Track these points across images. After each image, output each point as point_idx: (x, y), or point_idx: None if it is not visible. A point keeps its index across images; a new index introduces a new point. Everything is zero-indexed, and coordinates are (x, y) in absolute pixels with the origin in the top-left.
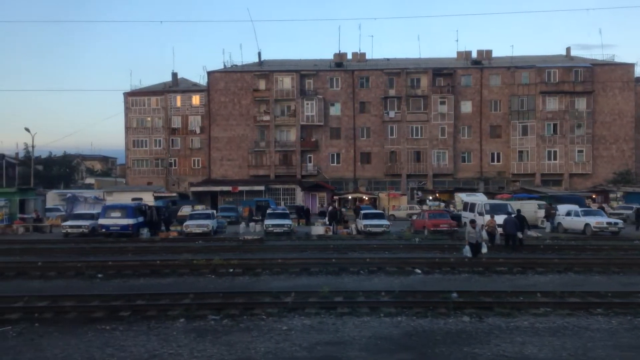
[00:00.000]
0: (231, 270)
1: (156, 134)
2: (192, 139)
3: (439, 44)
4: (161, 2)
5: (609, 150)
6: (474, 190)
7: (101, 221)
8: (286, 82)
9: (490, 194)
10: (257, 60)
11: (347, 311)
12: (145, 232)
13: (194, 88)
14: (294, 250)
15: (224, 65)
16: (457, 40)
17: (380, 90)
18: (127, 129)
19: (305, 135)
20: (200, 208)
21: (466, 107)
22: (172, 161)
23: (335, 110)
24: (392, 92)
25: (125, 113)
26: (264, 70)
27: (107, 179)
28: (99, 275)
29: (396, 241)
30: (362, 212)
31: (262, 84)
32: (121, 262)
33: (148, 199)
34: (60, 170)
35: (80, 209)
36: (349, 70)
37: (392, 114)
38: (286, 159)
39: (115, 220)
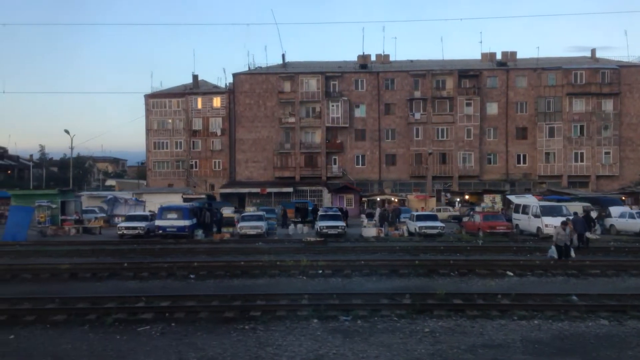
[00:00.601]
0: (320, 271)
1: (177, 136)
2: (213, 141)
3: (462, 45)
4: (180, 5)
5: (635, 152)
6: (500, 192)
7: (158, 222)
8: (312, 84)
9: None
10: (280, 62)
11: (477, 314)
12: (200, 234)
13: (214, 90)
14: (365, 252)
15: (249, 68)
16: (480, 42)
17: (406, 91)
18: (148, 130)
19: (330, 137)
20: (252, 210)
21: (492, 108)
22: (193, 163)
23: (360, 112)
24: (417, 94)
25: (146, 115)
26: (289, 72)
27: (128, 180)
28: (191, 276)
29: (458, 243)
30: (416, 213)
31: (287, 86)
32: (206, 262)
33: (177, 200)
34: (74, 172)
35: (120, 211)
36: (374, 72)
37: (417, 115)
38: (311, 161)
39: (172, 221)
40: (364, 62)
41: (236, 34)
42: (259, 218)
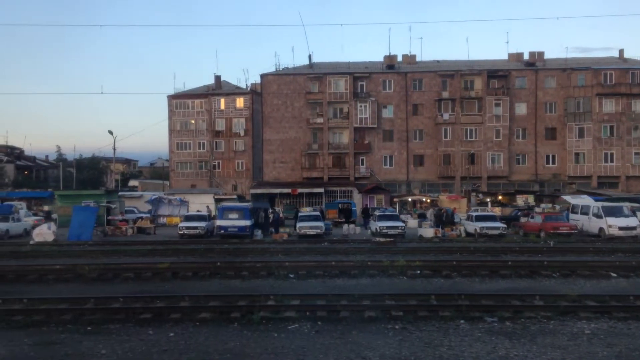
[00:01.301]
0: (418, 271)
1: (200, 137)
2: (235, 142)
3: (488, 45)
4: (204, 6)
5: None
6: (531, 192)
7: (219, 222)
8: (340, 85)
9: (549, 197)
10: (305, 62)
11: (623, 316)
12: (259, 234)
13: (237, 91)
14: (443, 253)
15: (275, 68)
16: (507, 42)
17: (434, 92)
18: (171, 131)
19: (358, 138)
20: (308, 210)
21: (521, 109)
22: (216, 164)
23: (388, 113)
24: (445, 94)
25: (169, 116)
26: (317, 73)
27: (151, 181)
28: (291, 275)
29: (526, 244)
30: (474, 214)
31: (315, 87)
32: (300, 262)
33: (208, 201)
34: (90, 173)
35: (164, 211)
36: (401, 73)
37: (446, 116)
38: (339, 161)
39: (234, 221)
40: (390, 63)
41: (257, 35)
42: (317, 218)
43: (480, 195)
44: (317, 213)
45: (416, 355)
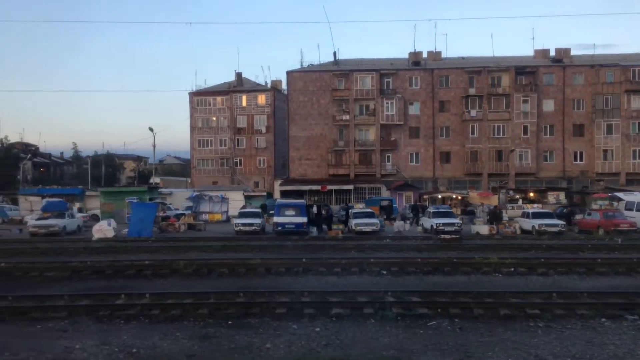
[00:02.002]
0: (512, 269)
1: (221, 134)
2: (257, 139)
3: (513, 41)
4: (223, 3)
5: None
6: (562, 189)
7: (276, 219)
8: (366, 82)
9: (579, 194)
10: (328, 59)
11: None
12: (314, 231)
13: (259, 87)
14: (518, 250)
15: (300, 65)
16: (533, 39)
17: (460, 89)
18: (193, 128)
19: (384, 135)
20: (361, 207)
21: (548, 105)
22: (237, 161)
23: (414, 110)
24: (472, 91)
25: (190, 113)
26: (344, 69)
27: (173, 178)
28: (384, 272)
29: (593, 241)
30: (531, 211)
31: (341, 84)
32: (384, 259)
33: (237, 198)
34: (104, 170)
35: (205, 208)
36: (428, 69)
37: (473, 112)
38: (365, 158)
39: (290, 218)
40: (415, 59)
41: (277, 32)
42: (372, 215)
43: (511, 192)
44: (371, 210)
45: (589, 353)
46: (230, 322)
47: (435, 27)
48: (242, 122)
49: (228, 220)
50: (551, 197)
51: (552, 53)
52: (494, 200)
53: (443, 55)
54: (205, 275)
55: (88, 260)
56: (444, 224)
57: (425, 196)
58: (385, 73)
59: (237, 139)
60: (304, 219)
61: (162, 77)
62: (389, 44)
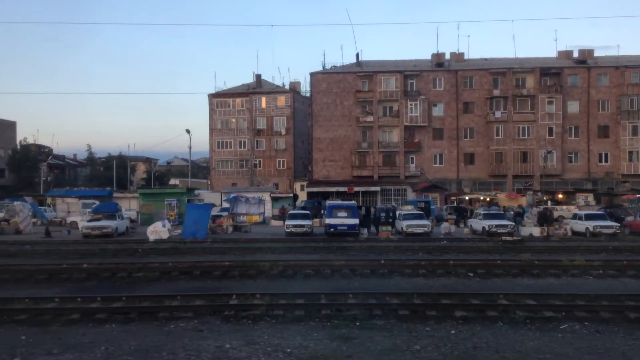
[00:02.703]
0: (600, 271)
1: (240, 135)
2: (277, 140)
3: (534, 43)
4: (244, 5)
5: None
6: (589, 191)
7: (329, 220)
8: (390, 83)
9: (607, 195)
10: (350, 61)
11: None
12: (365, 232)
13: (278, 89)
14: (589, 252)
15: (321, 67)
16: (555, 40)
17: (485, 90)
18: (212, 130)
19: (408, 136)
20: (409, 208)
21: (573, 107)
22: (257, 162)
23: (438, 111)
24: (496, 92)
25: (209, 115)
26: (368, 71)
27: (192, 180)
28: (470, 274)
29: None
30: (584, 213)
31: (365, 85)
32: (466, 260)
33: (265, 199)
34: (117, 171)
35: (241, 209)
36: (452, 71)
37: (498, 114)
38: (389, 160)
39: (343, 219)
40: (439, 61)
41: (295, 34)
42: (422, 216)
43: (539, 194)
44: (420, 212)
45: None
46: (357, 323)
47: (458, 28)
48: (261, 123)
49: (264, 221)
50: (580, 198)
51: (576, 54)
52: (521, 202)
53: (466, 57)
54: (291, 276)
55: (169, 261)
56: (497, 226)
57: (452, 197)
58: (409, 74)
59: (257, 141)
60: (356, 221)
61: (180, 80)
62: (411, 46)
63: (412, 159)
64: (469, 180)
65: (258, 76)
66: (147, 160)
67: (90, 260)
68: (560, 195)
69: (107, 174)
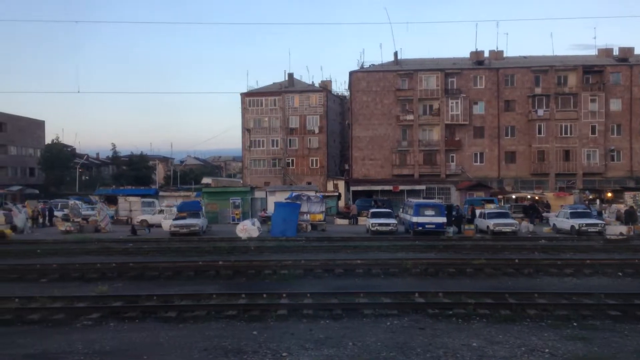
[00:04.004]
0: None
1: (273, 134)
2: (309, 139)
3: (573, 40)
4: (277, 6)
5: None
6: (636, 189)
7: (415, 219)
8: (430, 81)
9: None
10: (385, 60)
11: None
12: (451, 231)
13: (311, 88)
14: None
15: (361, 66)
16: (595, 38)
17: (526, 88)
18: (244, 129)
19: (448, 135)
20: (493, 207)
21: (615, 105)
22: (290, 161)
23: (478, 109)
24: (538, 90)
25: (242, 114)
26: (408, 69)
27: (224, 178)
28: (619, 274)
29: None
30: None
31: (404, 84)
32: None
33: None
34: (139, 171)
35: (303, 208)
36: (493, 69)
37: (540, 112)
38: (430, 158)
39: (430, 218)
40: (478, 59)
41: (328, 33)
42: (507, 215)
43: (587, 192)
44: (506, 211)
45: None
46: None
47: (497, 26)
48: (294, 122)
49: (325, 220)
50: (628, 197)
51: (616, 52)
52: (569, 201)
53: (504, 55)
54: (432, 274)
55: (301, 259)
56: (587, 225)
57: (500, 196)
58: (450, 72)
59: (289, 139)
60: (444, 219)
61: (212, 79)
62: (448, 44)
63: (452, 157)
64: (510, 179)
65: (290, 75)
66: (165, 160)
67: (217, 258)
68: (609, 194)
69: (131, 173)
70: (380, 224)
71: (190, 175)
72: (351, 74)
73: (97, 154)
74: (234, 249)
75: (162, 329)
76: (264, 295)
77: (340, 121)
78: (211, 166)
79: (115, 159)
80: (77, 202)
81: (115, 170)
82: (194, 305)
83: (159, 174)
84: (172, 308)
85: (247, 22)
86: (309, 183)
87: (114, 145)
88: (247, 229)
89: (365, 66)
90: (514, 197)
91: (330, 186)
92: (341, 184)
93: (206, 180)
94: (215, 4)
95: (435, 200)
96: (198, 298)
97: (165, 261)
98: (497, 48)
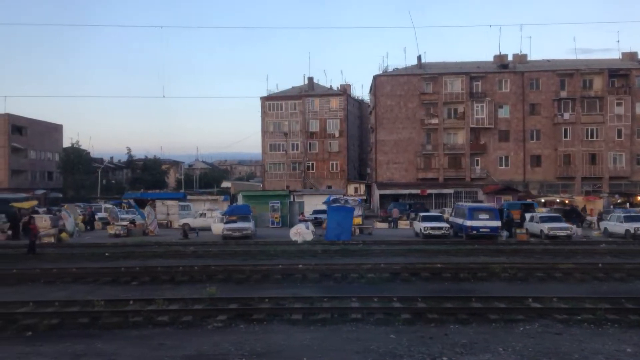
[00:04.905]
0: None
1: (293, 138)
2: (330, 142)
3: (595, 44)
4: (297, 9)
5: None
6: None
7: (470, 223)
8: (455, 85)
9: None
10: (407, 64)
11: None
12: (504, 234)
13: (331, 92)
14: None
15: (385, 70)
16: (618, 41)
17: (551, 92)
18: (264, 133)
19: (473, 138)
20: (545, 210)
21: None
22: (310, 165)
23: (503, 113)
24: (563, 94)
25: (262, 117)
26: (433, 73)
27: (244, 182)
28: None
29: None
30: None
31: (429, 87)
32: None
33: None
34: (155, 174)
35: None
36: (517, 72)
37: (566, 115)
38: (455, 162)
39: (485, 222)
40: (501, 62)
41: (346, 37)
42: (561, 219)
43: (617, 196)
44: (558, 214)
45: None
46: None
47: (521, 30)
48: (314, 126)
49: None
50: None
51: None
52: (598, 205)
53: (528, 58)
54: (523, 279)
55: (379, 262)
56: (635, 228)
57: (529, 199)
58: (475, 76)
59: (309, 143)
60: (499, 223)
61: (235, 83)
62: (470, 47)
63: (477, 161)
64: (535, 182)
65: (310, 79)
66: (175, 163)
67: (291, 262)
68: (639, 198)
69: (146, 177)
70: (432, 228)
71: (205, 179)
72: (375, 77)
73: (111, 157)
74: (302, 252)
75: (296, 331)
76: (375, 299)
77: (358, 125)
78: (219, 170)
79: (130, 162)
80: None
81: (130, 174)
82: (314, 308)
83: (171, 177)
84: (296, 311)
85: (266, 27)
86: (329, 186)
87: (129, 149)
88: (302, 232)
89: (388, 70)
90: (542, 200)
91: (350, 190)
92: (361, 188)
93: (225, 184)
94: (235, 7)
95: (490, 205)
96: (311, 301)
97: (246, 264)
98: (520, 52)
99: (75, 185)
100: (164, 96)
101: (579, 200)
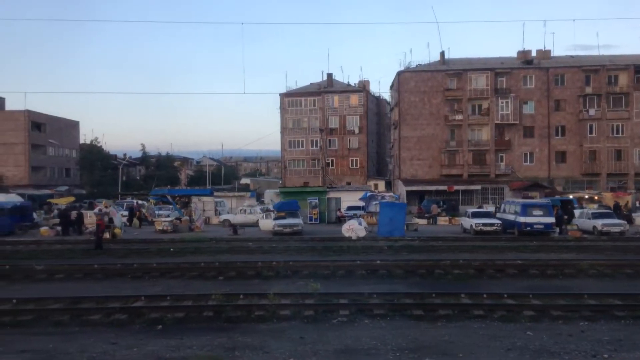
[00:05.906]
0: None
1: (312, 135)
2: (349, 139)
3: (618, 40)
4: (317, 6)
5: None
6: None
7: (523, 219)
8: (480, 81)
9: None
10: (427, 60)
11: None
12: (556, 231)
13: (351, 88)
14: None
15: (406, 66)
16: None
17: (576, 87)
18: (283, 129)
19: (497, 135)
20: (595, 207)
21: None
22: (329, 161)
23: (528, 109)
24: (589, 90)
25: (281, 114)
26: (457, 69)
27: (264, 179)
28: None
29: None
30: None
31: (453, 83)
32: None
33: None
34: (166, 171)
35: (375, 208)
36: (542, 68)
37: (592, 112)
38: (479, 158)
39: (539, 218)
40: (525, 58)
41: (365, 33)
42: (613, 215)
43: None
44: (609, 211)
45: None
46: None
47: (545, 25)
48: (333, 122)
49: None
50: None
51: None
52: (623, 200)
53: (551, 54)
54: (610, 275)
55: (458, 259)
56: None
57: (557, 196)
58: (499, 72)
59: (329, 140)
60: (552, 219)
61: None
62: (493, 43)
63: (501, 157)
64: (560, 178)
65: (329, 75)
66: (185, 160)
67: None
68: None
69: (161, 174)
70: (484, 224)
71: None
72: (399, 73)
73: (125, 154)
74: (366, 248)
75: (426, 326)
76: (484, 296)
77: (376, 121)
78: (228, 167)
79: (145, 159)
80: (145, 203)
81: (143, 171)
82: (431, 305)
83: (183, 174)
84: (414, 307)
85: (287, 22)
86: (349, 183)
87: (143, 146)
88: (355, 228)
89: (411, 66)
90: (570, 197)
91: (371, 186)
92: (381, 184)
93: (245, 180)
94: (255, 6)
95: (544, 201)
96: (421, 297)
97: (328, 260)
98: (544, 47)
99: (94, 182)
100: (186, 93)
101: (608, 197)
